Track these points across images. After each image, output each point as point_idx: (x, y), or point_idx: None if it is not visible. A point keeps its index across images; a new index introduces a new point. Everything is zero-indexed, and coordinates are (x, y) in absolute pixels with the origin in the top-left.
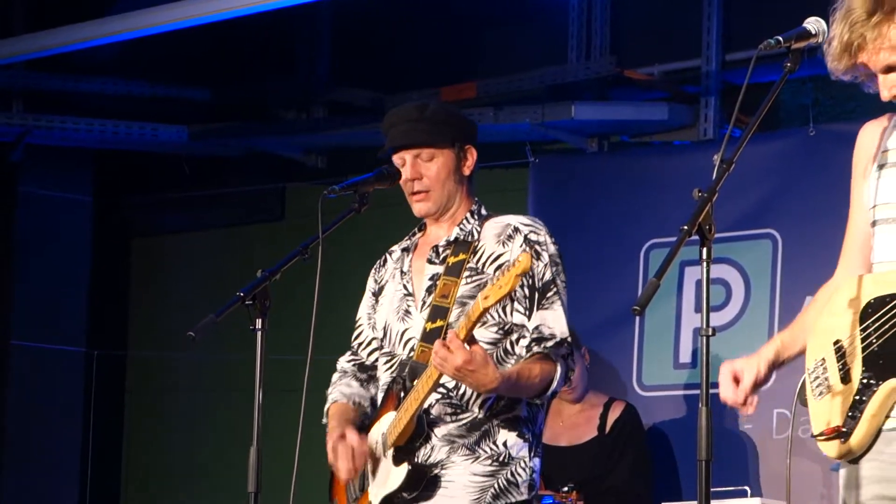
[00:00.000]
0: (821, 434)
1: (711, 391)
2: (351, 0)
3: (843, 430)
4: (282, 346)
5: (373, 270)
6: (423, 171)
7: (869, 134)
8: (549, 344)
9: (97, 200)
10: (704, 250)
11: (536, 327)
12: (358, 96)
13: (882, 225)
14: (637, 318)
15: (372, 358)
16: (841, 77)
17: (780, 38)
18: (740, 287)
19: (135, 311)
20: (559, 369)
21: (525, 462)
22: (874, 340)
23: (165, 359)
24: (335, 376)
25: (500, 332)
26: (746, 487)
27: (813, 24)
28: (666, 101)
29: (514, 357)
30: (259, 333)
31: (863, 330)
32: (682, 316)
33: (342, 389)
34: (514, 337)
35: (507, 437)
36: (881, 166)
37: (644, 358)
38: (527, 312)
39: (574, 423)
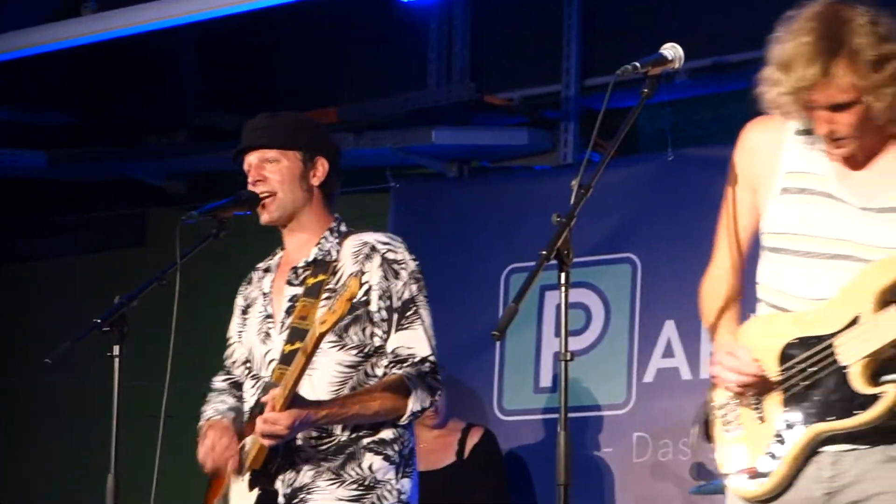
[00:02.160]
0: (735, 473)
1: (570, 415)
2: (215, 25)
3: (760, 471)
4: (141, 373)
5: (241, 288)
6: (266, 172)
7: (762, 137)
8: (406, 365)
9: None
10: (563, 275)
11: (394, 350)
12: (221, 121)
13: (787, 256)
14: (498, 343)
15: (245, 376)
16: (772, 112)
17: (637, 64)
18: (600, 311)
19: None
20: (413, 392)
21: (391, 485)
22: (799, 382)
23: (26, 386)
24: (210, 395)
25: (361, 354)
26: None
27: (670, 50)
28: (526, 127)
29: (375, 380)
30: (116, 360)
31: (784, 370)
32: (543, 340)
33: (216, 406)
34: (375, 360)
35: (373, 461)
36: (785, 190)
37: (505, 382)
38: (384, 335)
39: (432, 448)
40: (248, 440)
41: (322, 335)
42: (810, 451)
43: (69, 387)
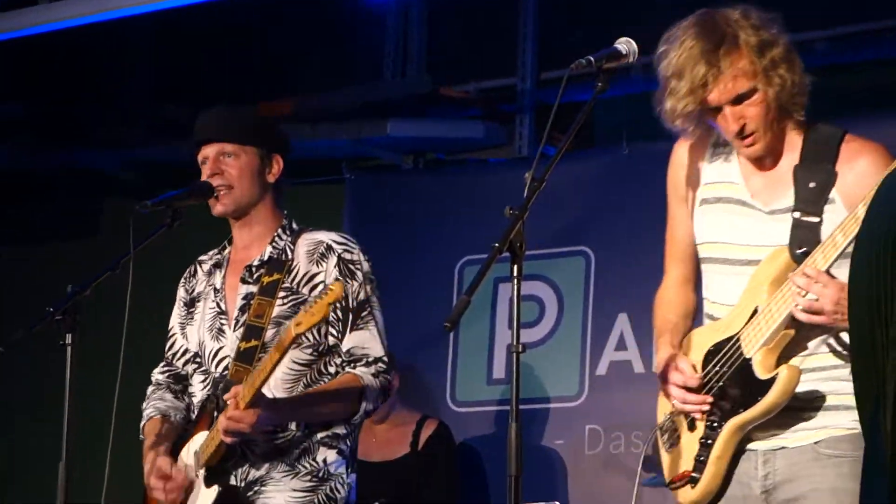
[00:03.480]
0: (672, 482)
1: (522, 407)
2: (172, 16)
3: (693, 475)
4: (94, 362)
5: (182, 280)
6: (224, 166)
7: (688, 152)
8: (360, 364)
9: None
10: (515, 268)
11: (349, 350)
12: (177, 112)
13: (713, 265)
14: (451, 334)
15: (187, 368)
16: (677, 125)
17: (592, 59)
18: (553, 304)
19: None
20: (367, 388)
21: (343, 479)
22: (715, 384)
23: None
24: (150, 389)
25: (315, 353)
26: (557, 502)
27: (624, 44)
28: (481, 120)
29: (329, 378)
30: (69, 349)
31: (705, 376)
32: (496, 332)
33: (156, 404)
34: (329, 358)
35: (327, 455)
36: (705, 200)
37: (458, 374)
38: (339, 335)
39: (386, 439)
40: (200, 436)
41: (298, 336)
42: (735, 448)
43: (22, 375)
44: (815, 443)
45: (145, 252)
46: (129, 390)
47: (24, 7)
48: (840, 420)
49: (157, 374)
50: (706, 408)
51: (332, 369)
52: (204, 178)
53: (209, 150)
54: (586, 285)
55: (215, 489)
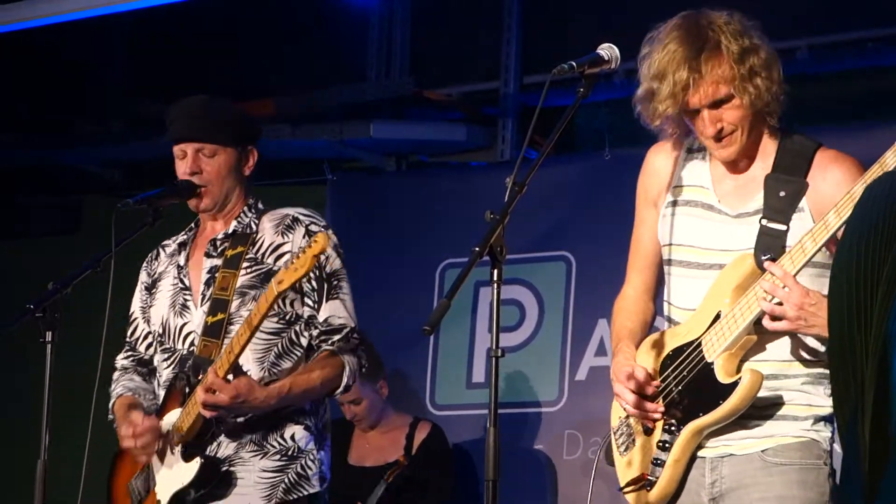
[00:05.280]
0: (627, 485)
1: (502, 411)
2: (153, 13)
3: (649, 477)
4: (74, 359)
5: (145, 264)
6: (203, 165)
7: (661, 158)
8: (337, 337)
9: None
10: (495, 272)
11: (326, 319)
12: (156, 109)
13: (677, 267)
14: (431, 338)
15: (150, 352)
16: (656, 125)
17: (574, 64)
18: (534, 308)
19: None
20: (347, 366)
21: (314, 455)
22: (673, 388)
23: None
24: (115, 374)
25: (283, 322)
26: None
27: (606, 50)
28: (464, 123)
29: (300, 348)
30: (49, 346)
31: (663, 380)
32: (476, 336)
33: (125, 384)
34: (300, 327)
35: (295, 431)
36: (674, 203)
37: (438, 377)
38: (315, 305)
39: (380, 444)
40: (172, 414)
41: (280, 294)
42: (692, 453)
43: (1, 372)
44: (763, 451)
45: (126, 249)
46: (108, 388)
47: (5, 4)
48: (788, 428)
49: (121, 360)
50: (657, 416)
51: (303, 341)
52: (180, 170)
53: (187, 148)
54: (567, 290)
55: (197, 461)
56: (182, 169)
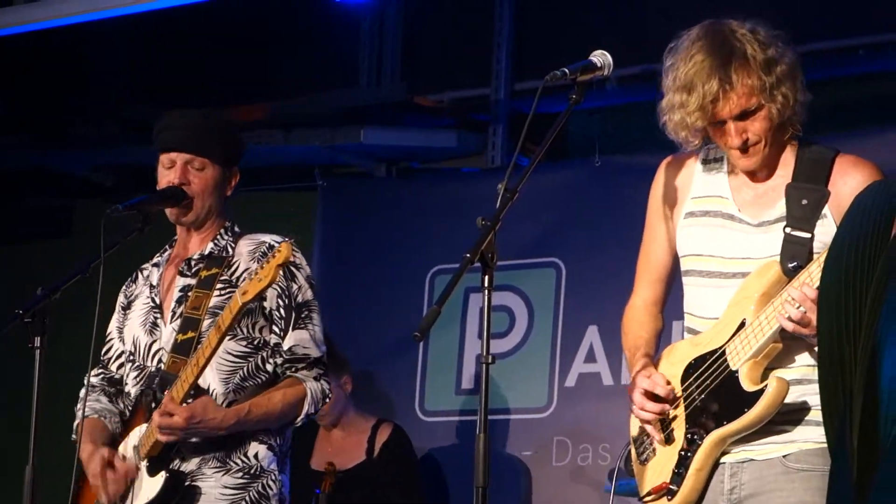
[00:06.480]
0: (648, 494)
1: (491, 417)
2: (146, 18)
3: (671, 486)
4: (63, 365)
5: (124, 287)
6: (191, 177)
7: (676, 171)
8: (301, 366)
9: None
10: (486, 278)
11: (290, 348)
12: (149, 114)
13: (697, 277)
14: (421, 344)
15: (121, 371)
16: (682, 137)
17: (566, 70)
18: (524, 314)
19: None
20: (309, 392)
21: (275, 475)
22: (696, 396)
23: None
24: (83, 392)
25: (250, 346)
26: None
27: (599, 57)
28: (455, 129)
29: (265, 374)
30: (37, 352)
31: (685, 389)
32: (466, 342)
33: (91, 405)
34: (266, 353)
35: (258, 450)
36: (690, 214)
37: (427, 383)
38: (282, 333)
39: (342, 446)
40: (137, 431)
41: (244, 306)
42: (714, 461)
43: None
44: (784, 456)
45: (116, 255)
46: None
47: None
48: (809, 434)
49: (93, 377)
50: (653, 417)
51: (269, 367)
52: (164, 179)
53: (177, 158)
54: (557, 297)
55: (162, 476)
56: (168, 178)
